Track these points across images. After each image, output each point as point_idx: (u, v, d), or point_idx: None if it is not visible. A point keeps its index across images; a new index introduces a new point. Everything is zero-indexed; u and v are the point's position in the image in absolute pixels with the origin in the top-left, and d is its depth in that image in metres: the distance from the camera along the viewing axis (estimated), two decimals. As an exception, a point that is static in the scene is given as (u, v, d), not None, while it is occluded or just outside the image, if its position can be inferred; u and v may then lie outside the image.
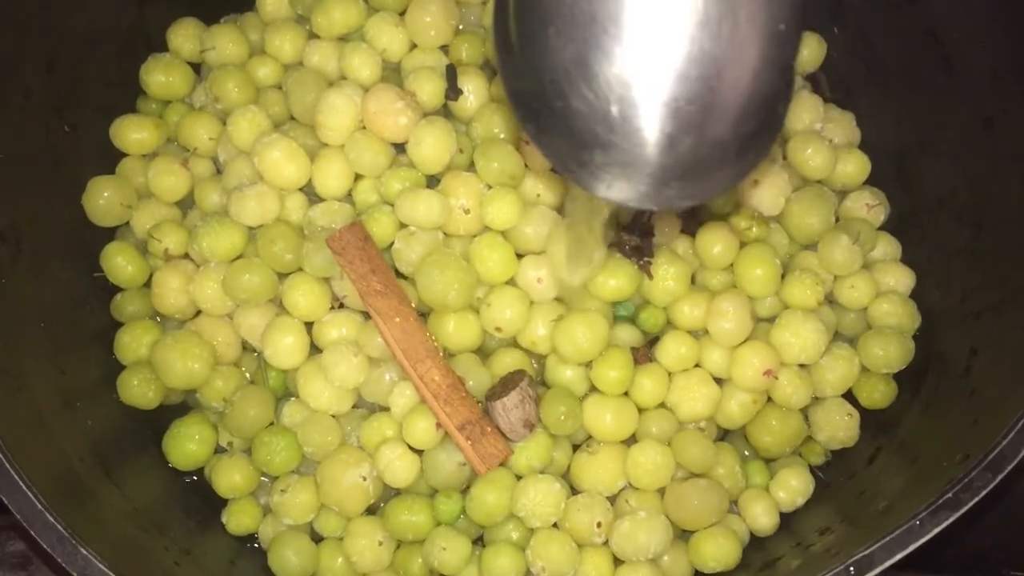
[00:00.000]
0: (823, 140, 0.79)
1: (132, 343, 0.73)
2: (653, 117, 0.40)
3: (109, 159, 0.78)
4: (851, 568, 0.54)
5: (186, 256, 0.75)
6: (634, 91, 0.40)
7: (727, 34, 0.39)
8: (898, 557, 0.54)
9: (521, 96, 0.46)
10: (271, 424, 0.72)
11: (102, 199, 0.75)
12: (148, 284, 0.75)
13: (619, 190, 0.43)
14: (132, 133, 0.77)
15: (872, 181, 0.80)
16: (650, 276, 0.72)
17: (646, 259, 0.73)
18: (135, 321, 0.74)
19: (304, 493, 0.70)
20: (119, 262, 0.75)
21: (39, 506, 0.55)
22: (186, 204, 0.78)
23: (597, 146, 0.42)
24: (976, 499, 0.54)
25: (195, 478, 0.73)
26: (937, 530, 0.54)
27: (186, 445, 0.71)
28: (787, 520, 0.72)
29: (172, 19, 0.80)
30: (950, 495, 0.54)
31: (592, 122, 0.41)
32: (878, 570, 0.54)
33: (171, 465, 0.72)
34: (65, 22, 0.72)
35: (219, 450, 0.74)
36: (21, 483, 0.56)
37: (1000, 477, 0.54)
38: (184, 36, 0.80)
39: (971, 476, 0.54)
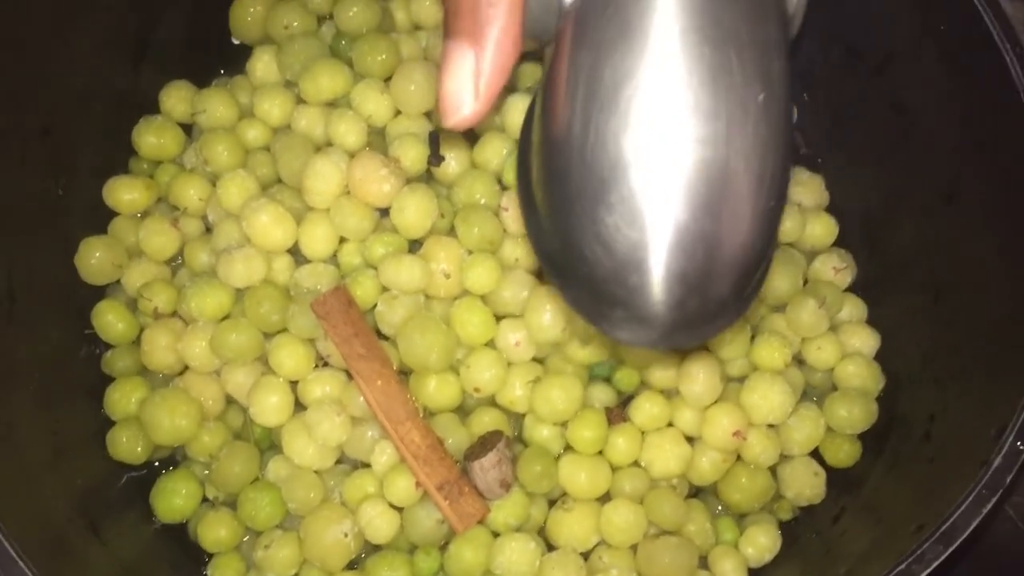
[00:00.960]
0: (792, 204, 0.82)
1: (122, 400, 0.75)
2: (666, 285, 0.45)
3: (100, 218, 0.80)
4: (808, 635, 0.56)
5: (175, 314, 0.77)
6: (651, 265, 0.44)
7: (728, 217, 0.44)
8: (854, 625, 0.56)
9: (546, 253, 0.51)
10: (256, 479, 0.74)
11: (94, 259, 0.77)
12: (138, 341, 0.77)
13: (635, 337, 0.48)
14: (124, 194, 0.79)
15: (839, 243, 0.83)
16: None
17: None
18: (124, 378, 0.76)
19: (287, 548, 0.72)
20: (109, 320, 0.77)
21: (21, 565, 0.56)
22: (176, 263, 0.80)
23: (617, 305, 0.47)
24: (928, 571, 0.56)
25: (181, 533, 0.75)
26: (894, 593, 0.56)
27: (172, 500, 0.73)
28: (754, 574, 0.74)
29: (165, 81, 0.83)
30: (903, 567, 0.57)
31: (613, 286, 0.46)
32: (834, 638, 0.56)
33: (157, 519, 0.74)
34: (62, 86, 0.75)
35: (206, 501, 0.75)
36: (5, 543, 0.57)
37: (951, 549, 0.57)
38: (176, 98, 0.82)
39: (924, 548, 0.57)
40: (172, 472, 0.75)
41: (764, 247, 0.47)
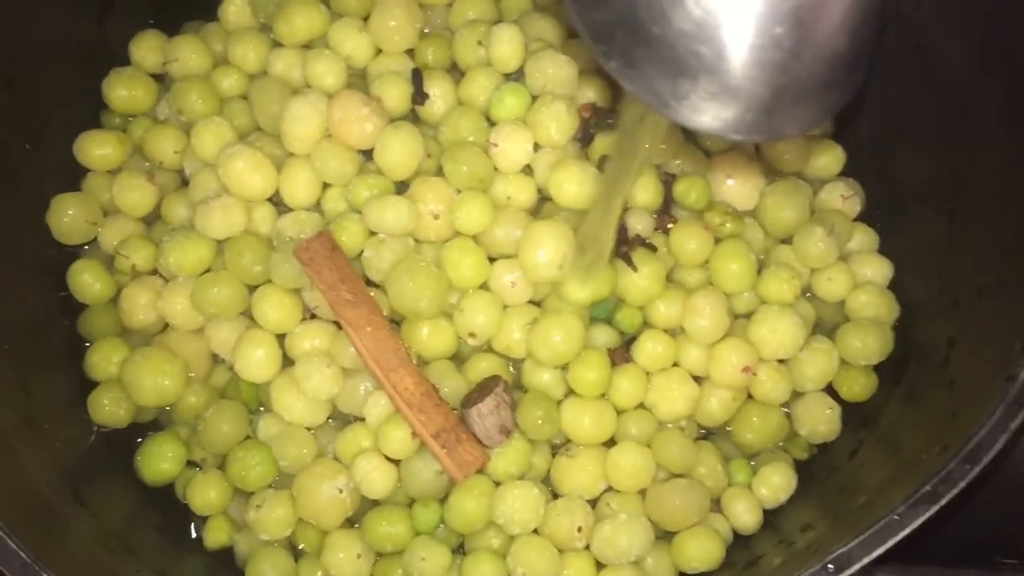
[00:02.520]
0: (795, 132, 0.78)
1: (102, 362, 0.72)
2: (772, 31, 0.37)
3: (73, 176, 0.77)
4: (830, 566, 0.53)
5: (154, 271, 0.74)
6: (754, 5, 0.37)
7: None
8: (877, 553, 0.53)
9: (603, 27, 0.42)
10: (245, 439, 0.71)
11: (67, 217, 0.74)
12: (115, 301, 0.74)
13: (723, 119, 0.41)
14: (96, 149, 0.76)
15: (847, 172, 0.80)
16: (635, 268, 0.71)
17: (631, 248, 0.72)
18: (104, 339, 0.73)
19: (280, 508, 0.69)
20: (86, 279, 0.74)
21: (3, 536, 0.54)
22: (153, 218, 0.77)
23: (703, 72, 0.39)
24: (955, 491, 0.53)
25: (168, 496, 0.72)
26: (916, 524, 0.53)
27: (158, 463, 0.70)
28: (770, 517, 0.71)
29: (133, 31, 0.79)
30: (928, 488, 0.53)
31: (698, 44, 0.38)
32: (857, 566, 0.53)
33: (143, 483, 0.71)
34: (22, 38, 0.71)
35: (189, 464, 0.72)
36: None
37: (978, 468, 0.53)
38: (146, 48, 0.79)
39: (949, 468, 0.54)
40: (157, 435, 0.72)
41: None
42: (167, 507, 0.72)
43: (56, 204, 0.74)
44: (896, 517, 0.53)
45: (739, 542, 0.70)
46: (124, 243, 0.74)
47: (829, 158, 0.79)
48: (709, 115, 0.41)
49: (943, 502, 0.53)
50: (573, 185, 0.71)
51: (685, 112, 0.41)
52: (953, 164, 0.73)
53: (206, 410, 0.71)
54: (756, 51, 0.38)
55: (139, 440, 0.72)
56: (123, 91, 0.77)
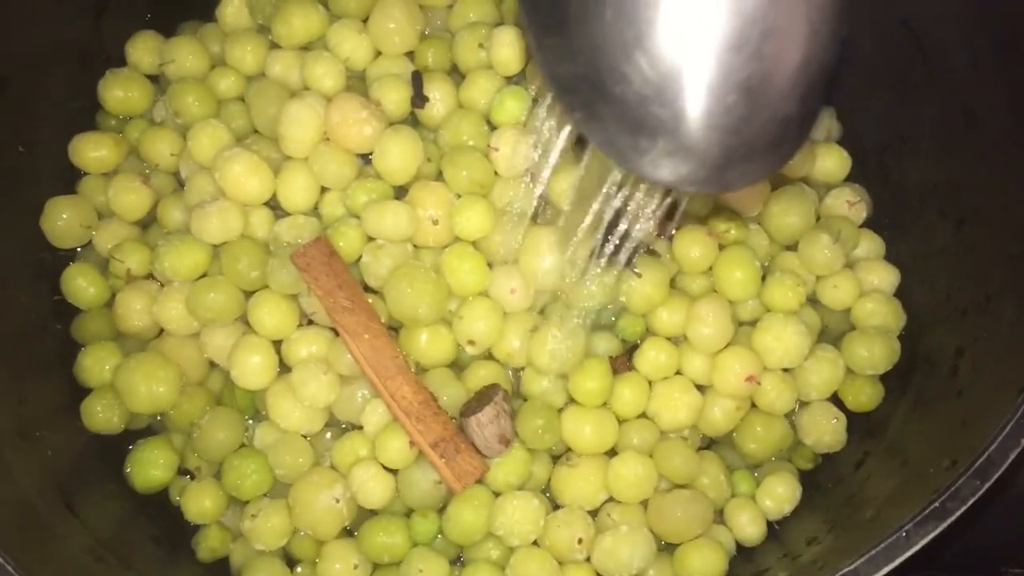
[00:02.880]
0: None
1: (95, 366, 0.71)
2: (725, 99, 0.39)
3: (67, 178, 0.76)
4: (836, 583, 0.52)
5: (149, 276, 0.73)
6: (707, 73, 0.38)
7: (794, 4, 0.39)
8: (885, 571, 0.51)
9: (568, 81, 0.44)
10: (241, 447, 0.70)
11: (61, 220, 0.73)
12: (109, 305, 0.73)
13: (680, 173, 0.42)
14: (91, 151, 0.75)
15: (853, 177, 0.79)
16: (638, 275, 0.70)
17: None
18: (97, 343, 0.72)
19: (276, 517, 0.68)
20: (80, 284, 0.73)
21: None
22: (148, 221, 0.76)
23: (661, 132, 0.41)
24: (964, 508, 0.52)
25: (162, 505, 0.71)
26: (924, 542, 0.52)
27: (149, 470, 0.69)
28: (775, 529, 0.70)
29: (130, 32, 0.78)
30: (937, 504, 0.52)
31: (656, 107, 0.40)
32: (865, 584, 0.52)
33: (136, 490, 0.70)
34: (17, 39, 0.70)
35: (183, 472, 0.71)
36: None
37: (988, 484, 0.52)
38: (143, 49, 0.78)
39: (958, 484, 0.52)
40: (147, 441, 0.71)
41: (835, 46, 0.41)
42: (161, 516, 0.70)
43: (50, 208, 0.73)
44: (903, 534, 0.52)
45: (742, 554, 0.69)
46: (119, 247, 0.73)
47: (835, 163, 0.78)
48: (667, 170, 0.42)
49: (952, 519, 0.52)
50: (565, 183, 0.70)
51: (645, 166, 0.43)
52: (960, 169, 0.71)
53: (201, 417, 0.70)
54: (711, 116, 0.39)
55: (131, 448, 0.71)
56: (119, 92, 0.76)
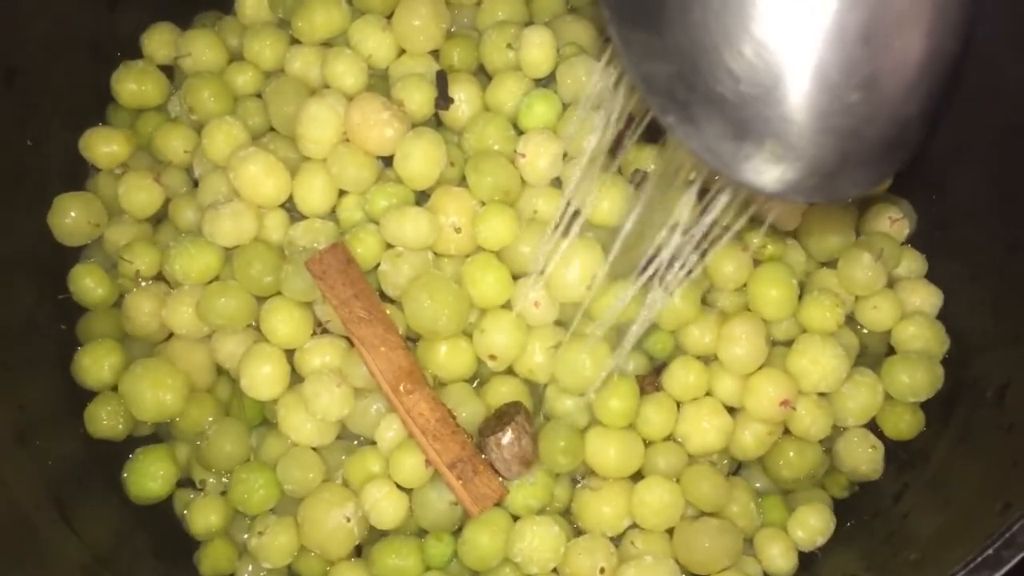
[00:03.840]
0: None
1: (93, 366, 0.68)
2: (847, 98, 0.35)
3: (76, 174, 0.73)
4: (881, 635, 0.49)
5: (159, 276, 0.71)
6: (828, 67, 0.35)
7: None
8: (934, 622, 0.48)
9: (661, 82, 0.40)
10: (248, 460, 0.67)
11: (68, 218, 0.70)
12: (117, 305, 0.71)
13: (785, 184, 0.39)
14: (103, 146, 0.73)
15: (896, 192, 0.75)
16: (669, 293, 0.66)
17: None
18: (96, 341, 0.69)
19: (283, 535, 0.65)
20: (88, 284, 0.70)
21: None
22: (160, 218, 0.73)
23: (768, 136, 0.37)
24: (1020, 555, 0.48)
25: (164, 517, 0.68)
26: (973, 591, 0.48)
27: (146, 483, 0.67)
28: (807, 562, 0.67)
29: (145, 24, 0.76)
30: (991, 552, 0.49)
31: (766, 107, 0.37)
32: (911, 636, 0.48)
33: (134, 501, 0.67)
34: (27, 28, 0.68)
35: (185, 483, 0.69)
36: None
37: (1047, 532, 0.49)
38: (159, 41, 0.75)
39: (1014, 530, 0.49)
40: (148, 450, 0.68)
41: (965, 32, 0.38)
42: (165, 530, 0.68)
43: (58, 204, 0.70)
44: (952, 584, 0.48)
45: (770, 584, 0.66)
46: (129, 248, 0.70)
47: (877, 177, 0.74)
48: (771, 177, 0.39)
49: (1007, 568, 0.48)
50: (607, 201, 0.67)
51: (746, 173, 0.39)
52: (1012, 187, 0.68)
53: (208, 427, 0.67)
54: (828, 117, 0.36)
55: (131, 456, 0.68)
56: (132, 86, 0.74)
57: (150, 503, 0.67)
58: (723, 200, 0.53)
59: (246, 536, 0.66)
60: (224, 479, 0.68)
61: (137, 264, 0.70)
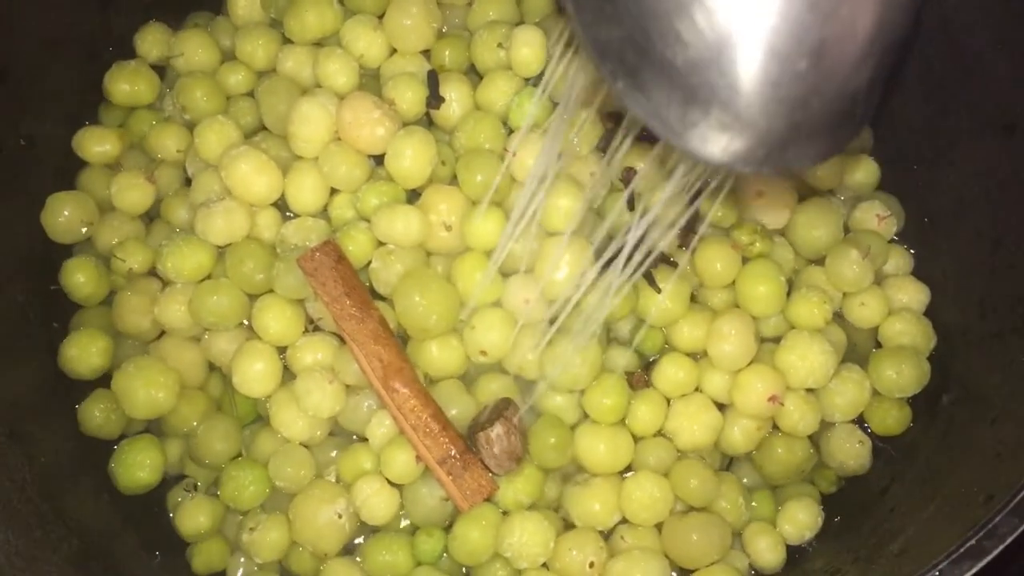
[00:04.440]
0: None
1: (80, 355, 0.68)
2: (796, 65, 0.35)
3: (69, 171, 0.73)
4: (864, 623, 0.49)
5: (151, 272, 0.71)
6: (777, 33, 0.35)
7: None
8: (916, 613, 0.49)
9: (611, 47, 0.40)
10: (239, 456, 0.68)
11: (62, 217, 0.71)
12: (107, 302, 0.71)
13: (732, 153, 0.39)
14: (95, 145, 0.73)
15: (883, 188, 0.76)
16: (657, 289, 0.67)
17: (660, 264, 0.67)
18: (80, 331, 0.69)
19: (274, 531, 0.65)
20: (79, 279, 0.70)
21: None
22: (152, 215, 0.74)
23: (716, 103, 0.37)
24: (1002, 547, 0.49)
25: (155, 510, 0.69)
26: (957, 582, 0.49)
27: (135, 472, 0.66)
28: (795, 556, 0.67)
29: (137, 24, 0.76)
30: (973, 542, 0.49)
31: (713, 74, 0.36)
32: (893, 626, 0.49)
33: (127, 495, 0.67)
34: (19, 27, 0.68)
35: (173, 479, 0.69)
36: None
37: (1028, 523, 0.49)
38: (151, 41, 0.76)
39: (996, 521, 0.49)
40: (134, 440, 0.67)
41: (908, 24, 0.38)
42: (157, 526, 0.68)
43: (51, 203, 0.71)
44: (936, 573, 0.49)
45: (759, 579, 0.67)
46: (121, 246, 0.70)
47: (864, 174, 0.75)
48: (718, 146, 0.39)
49: (989, 558, 0.49)
50: (565, 200, 0.67)
51: (692, 141, 0.39)
52: (998, 184, 0.68)
53: (199, 422, 0.67)
54: (776, 86, 0.36)
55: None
56: (125, 86, 0.74)
57: (140, 492, 0.67)
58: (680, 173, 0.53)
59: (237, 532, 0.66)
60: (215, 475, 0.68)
61: (130, 262, 0.70)
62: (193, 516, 0.66)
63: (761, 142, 0.38)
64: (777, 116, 0.37)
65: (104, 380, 0.68)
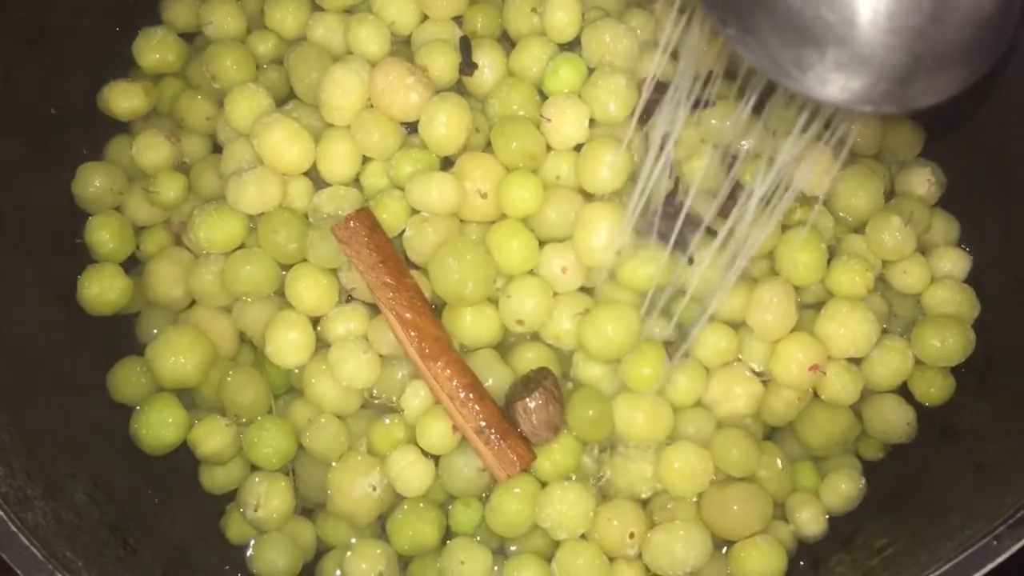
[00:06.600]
0: (872, 111, 0.72)
1: (101, 295, 0.68)
2: None
3: (98, 140, 0.73)
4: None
5: (180, 243, 0.71)
6: None
7: None
8: (972, 581, 0.47)
9: None
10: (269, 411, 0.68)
11: (92, 187, 0.70)
12: (141, 273, 0.70)
13: (852, 92, 0.38)
14: (123, 101, 0.72)
15: (926, 154, 0.74)
16: (691, 260, 0.66)
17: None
18: (97, 266, 0.69)
19: (276, 499, 0.65)
20: (103, 236, 0.69)
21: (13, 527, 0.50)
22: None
23: (831, 41, 0.37)
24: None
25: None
26: (1016, 548, 0.47)
27: (160, 431, 0.65)
28: (839, 527, 0.66)
29: (164, -9, 0.75)
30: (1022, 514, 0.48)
31: (827, 10, 0.36)
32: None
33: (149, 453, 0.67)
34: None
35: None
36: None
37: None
38: (179, 8, 0.75)
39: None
40: (154, 400, 0.66)
41: None
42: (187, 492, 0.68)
43: (82, 173, 0.70)
44: (993, 541, 0.48)
45: (803, 552, 0.65)
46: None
47: (907, 139, 0.74)
48: (836, 86, 0.38)
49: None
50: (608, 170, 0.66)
51: (809, 83, 0.38)
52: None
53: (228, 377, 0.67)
54: (892, 17, 0.35)
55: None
56: (154, 55, 0.73)
57: (164, 451, 0.66)
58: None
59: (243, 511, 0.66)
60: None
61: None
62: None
63: (881, 77, 0.37)
64: (896, 50, 0.36)
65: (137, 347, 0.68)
